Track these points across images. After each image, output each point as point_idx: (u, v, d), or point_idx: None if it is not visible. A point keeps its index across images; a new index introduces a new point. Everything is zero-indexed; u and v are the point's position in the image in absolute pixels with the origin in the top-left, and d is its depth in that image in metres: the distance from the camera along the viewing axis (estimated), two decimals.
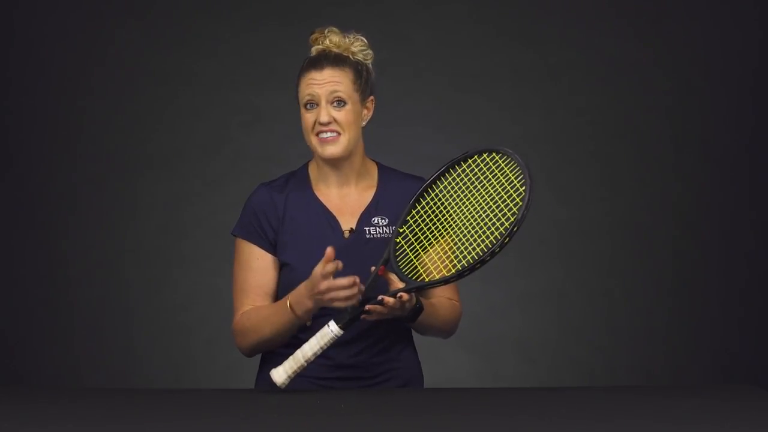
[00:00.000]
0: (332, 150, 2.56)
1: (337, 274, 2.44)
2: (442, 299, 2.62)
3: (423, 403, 2.38)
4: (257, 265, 2.60)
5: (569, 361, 4.54)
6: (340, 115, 2.55)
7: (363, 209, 2.61)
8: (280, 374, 2.40)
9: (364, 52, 2.61)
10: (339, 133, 2.55)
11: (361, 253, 2.55)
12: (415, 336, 2.70)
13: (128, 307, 4.54)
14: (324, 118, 2.54)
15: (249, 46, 4.57)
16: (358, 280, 2.39)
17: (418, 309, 2.49)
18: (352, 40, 2.61)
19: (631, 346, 4.54)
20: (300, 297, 2.47)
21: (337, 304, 2.41)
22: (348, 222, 2.61)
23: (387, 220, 2.60)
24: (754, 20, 4.55)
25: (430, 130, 4.55)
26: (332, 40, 2.60)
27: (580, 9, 4.56)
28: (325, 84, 2.55)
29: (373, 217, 2.61)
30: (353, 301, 2.39)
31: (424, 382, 2.73)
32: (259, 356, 2.68)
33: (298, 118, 2.62)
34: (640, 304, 4.54)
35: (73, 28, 4.55)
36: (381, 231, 2.59)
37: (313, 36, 2.63)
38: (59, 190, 4.54)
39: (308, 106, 2.56)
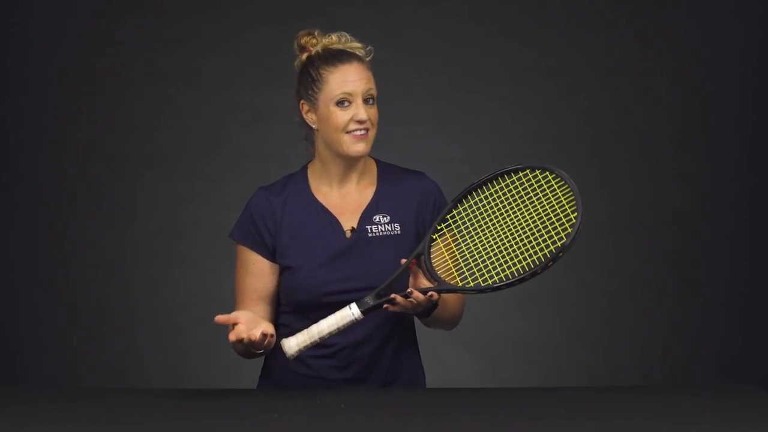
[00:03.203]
0: (363, 147, 2.54)
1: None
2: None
3: (423, 403, 2.38)
4: (253, 269, 2.60)
5: (569, 361, 4.54)
6: (372, 112, 2.54)
7: (364, 208, 2.60)
8: (291, 346, 2.41)
9: (366, 50, 2.59)
10: (368, 129, 2.54)
11: (364, 253, 2.55)
12: (417, 336, 2.70)
13: (128, 307, 4.54)
14: (363, 116, 2.51)
15: (249, 46, 4.57)
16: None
17: (434, 305, 2.49)
18: (348, 39, 2.59)
19: (631, 346, 4.54)
20: None
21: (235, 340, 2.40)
22: (349, 221, 2.60)
23: (388, 217, 2.60)
24: (754, 20, 4.55)
25: (430, 130, 4.55)
26: (332, 39, 2.58)
27: (580, 9, 4.56)
28: (359, 81, 2.52)
29: (375, 215, 2.60)
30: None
31: (425, 382, 2.73)
32: (261, 357, 2.68)
33: (297, 115, 2.62)
34: (640, 304, 4.54)
35: (73, 28, 4.55)
36: (383, 229, 2.58)
37: (304, 39, 2.61)
38: (59, 190, 4.54)
39: (341, 104, 2.53)
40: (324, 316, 2.44)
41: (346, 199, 2.61)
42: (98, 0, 4.57)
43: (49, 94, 4.55)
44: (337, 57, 2.55)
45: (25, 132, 4.55)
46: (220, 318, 2.38)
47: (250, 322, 2.39)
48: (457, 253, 2.46)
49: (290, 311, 2.58)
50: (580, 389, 2.80)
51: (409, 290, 2.39)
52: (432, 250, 2.45)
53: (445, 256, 2.45)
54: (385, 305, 2.40)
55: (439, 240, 2.48)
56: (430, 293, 2.40)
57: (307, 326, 2.46)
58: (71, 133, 4.55)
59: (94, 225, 4.54)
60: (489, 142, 4.52)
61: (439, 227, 2.48)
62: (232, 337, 2.38)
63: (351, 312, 2.39)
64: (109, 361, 4.52)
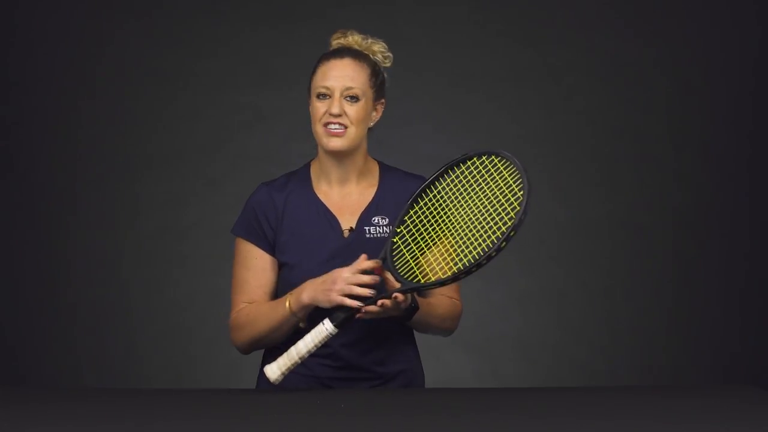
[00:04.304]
0: (337, 143, 2.55)
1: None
2: (442, 297, 2.62)
3: (423, 403, 2.38)
4: (255, 264, 2.61)
5: (569, 361, 4.54)
6: (351, 110, 2.55)
7: (363, 209, 2.61)
8: (273, 370, 2.41)
9: (384, 54, 2.64)
10: (346, 128, 2.55)
11: (361, 253, 2.55)
12: (416, 336, 2.70)
13: (128, 307, 4.54)
14: (335, 110, 2.53)
15: (249, 46, 4.58)
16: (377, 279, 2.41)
17: (413, 308, 2.49)
18: (373, 42, 2.63)
19: (631, 346, 4.54)
20: (300, 291, 2.48)
21: (349, 294, 2.40)
22: (348, 221, 2.61)
23: (387, 220, 2.61)
24: (753, 20, 4.55)
25: (430, 130, 4.55)
26: (354, 39, 2.62)
27: (580, 9, 4.57)
28: (341, 77, 2.55)
29: (374, 216, 2.61)
30: (369, 293, 2.40)
31: (425, 382, 2.73)
32: (260, 357, 2.69)
33: (305, 111, 2.63)
34: (640, 304, 4.54)
35: (73, 28, 4.55)
36: (381, 231, 2.59)
37: (335, 35, 2.65)
38: (59, 190, 4.54)
39: (321, 97, 2.56)
40: (318, 314, 2.45)
41: (346, 198, 2.62)
42: (98, 0, 4.57)
43: (49, 94, 4.55)
44: (334, 53, 2.60)
45: (25, 132, 4.55)
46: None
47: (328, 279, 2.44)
48: (426, 252, 2.47)
49: None
50: (580, 389, 2.80)
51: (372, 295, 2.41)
52: (394, 252, 2.46)
53: (406, 257, 2.46)
54: (357, 315, 2.40)
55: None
56: (394, 295, 2.40)
57: (296, 326, 2.49)
58: (71, 133, 4.56)
59: (94, 225, 4.55)
60: (489, 142, 4.50)
61: (398, 230, 2.50)
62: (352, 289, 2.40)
63: (325, 327, 2.40)
64: (109, 361, 4.53)
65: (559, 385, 4.25)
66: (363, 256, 2.43)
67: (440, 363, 4.29)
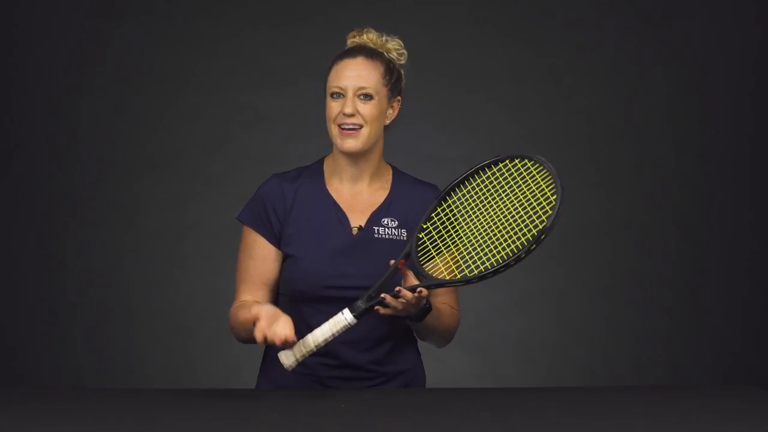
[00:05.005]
0: (352, 144, 2.56)
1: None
2: (446, 306, 2.62)
3: (423, 403, 2.38)
4: (258, 254, 2.61)
5: (569, 361, 4.54)
6: (365, 108, 2.55)
7: (374, 209, 2.61)
8: (288, 356, 2.41)
9: (399, 52, 2.64)
10: (361, 126, 2.55)
11: (367, 252, 2.55)
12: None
13: (128, 307, 4.54)
14: (348, 110, 2.54)
15: (249, 46, 4.57)
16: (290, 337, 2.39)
17: (427, 309, 2.49)
18: (388, 39, 2.64)
19: (631, 346, 4.54)
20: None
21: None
22: (357, 219, 2.60)
23: (396, 222, 2.60)
24: (753, 20, 4.55)
25: (430, 130, 4.55)
26: (369, 37, 2.63)
27: (580, 9, 4.57)
28: (354, 77, 2.55)
29: (384, 217, 2.60)
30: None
31: (426, 382, 2.73)
32: (260, 359, 2.68)
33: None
34: (640, 304, 4.54)
35: (73, 28, 4.55)
36: (390, 232, 2.59)
37: (351, 33, 2.65)
38: (59, 190, 4.54)
39: (334, 96, 2.56)
40: (318, 310, 2.46)
41: (357, 197, 2.62)
42: (98, 0, 4.57)
43: (49, 94, 4.55)
44: (347, 52, 2.61)
45: (25, 132, 4.55)
46: (260, 337, 2.39)
47: (271, 318, 2.39)
48: (444, 252, 2.47)
49: (286, 300, 2.58)
50: (580, 389, 2.80)
51: (397, 289, 2.39)
52: (419, 249, 2.46)
53: (432, 253, 2.46)
54: (376, 307, 2.40)
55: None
56: (418, 290, 2.40)
57: (296, 319, 2.47)
58: (71, 133, 4.56)
59: (94, 225, 4.54)
60: (489, 142, 4.52)
61: (425, 226, 2.50)
62: (259, 336, 2.38)
63: (344, 317, 2.39)
64: (109, 361, 4.53)
65: (559, 385, 4.25)
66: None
67: (440, 363, 4.28)
